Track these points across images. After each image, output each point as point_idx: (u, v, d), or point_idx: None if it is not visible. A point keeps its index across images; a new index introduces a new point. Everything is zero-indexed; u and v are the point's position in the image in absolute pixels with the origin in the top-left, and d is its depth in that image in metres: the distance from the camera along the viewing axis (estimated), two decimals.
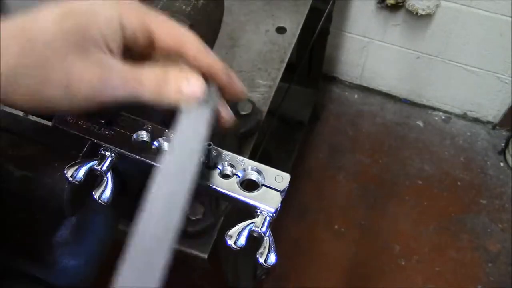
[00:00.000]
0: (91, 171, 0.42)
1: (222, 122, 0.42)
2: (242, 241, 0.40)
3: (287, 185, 0.42)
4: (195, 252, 0.71)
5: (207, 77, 0.40)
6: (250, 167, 0.43)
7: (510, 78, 1.73)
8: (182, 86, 0.37)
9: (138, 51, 0.39)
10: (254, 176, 0.43)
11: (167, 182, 0.35)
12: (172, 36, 0.38)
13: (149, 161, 0.43)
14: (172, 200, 0.34)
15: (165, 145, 0.44)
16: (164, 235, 0.32)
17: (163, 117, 0.55)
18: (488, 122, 1.94)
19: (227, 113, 0.42)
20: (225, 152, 0.43)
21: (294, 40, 0.94)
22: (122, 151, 0.43)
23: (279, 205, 0.41)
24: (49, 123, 0.45)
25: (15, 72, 0.33)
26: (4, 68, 0.33)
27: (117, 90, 0.36)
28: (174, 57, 0.40)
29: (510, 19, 1.54)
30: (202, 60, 0.39)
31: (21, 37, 0.34)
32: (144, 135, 0.44)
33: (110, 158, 0.43)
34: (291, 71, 1.04)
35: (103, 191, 0.42)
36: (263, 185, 0.42)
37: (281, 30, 0.95)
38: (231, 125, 0.43)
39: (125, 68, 0.36)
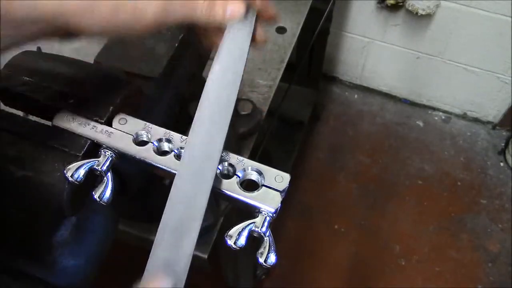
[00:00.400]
0: (91, 171, 0.41)
1: (257, 40, 0.49)
2: (242, 241, 0.39)
3: (287, 185, 0.42)
4: (195, 252, 0.71)
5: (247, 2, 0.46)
6: (250, 167, 0.43)
7: (510, 78, 1.72)
8: (227, 7, 0.44)
9: None
10: (254, 176, 0.43)
11: (218, 88, 0.44)
12: None
13: (149, 161, 0.43)
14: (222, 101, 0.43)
15: (165, 145, 0.44)
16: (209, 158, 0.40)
17: (163, 117, 0.55)
18: (488, 122, 1.94)
19: (261, 33, 0.49)
20: (225, 152, 0.43)
21: (294, 40, 0.94)
22: (122, 151, 0.43)
23: (279, 205, 0.41)
24: (49, 123, 0.45)
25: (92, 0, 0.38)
26: None
27: (176, 12, 0.41)
28: None
29: (510, 19, 1.54)
30: None
31: None
32: (144, 135, 0.44)
33: (110, 158, 0.43)
34: (291, 71, 1.04)
35: (103, 191, 0.42)
36: (263, 185, 0.42)
37: (281, 30, 0.95)
38: (263, 43, 0.50)
39: None
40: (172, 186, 0.39)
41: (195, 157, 0.40)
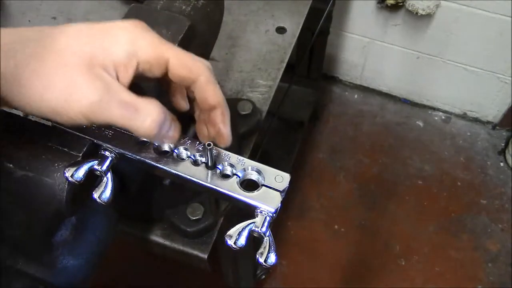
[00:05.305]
0: (91, 171, 0.42)
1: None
2: (242, 241, 0.40)
3: (287, 185, 0.42)
4: (195, 252, 0.71)
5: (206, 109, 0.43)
6: (250, 167, 0.43)
7: (510, 78, 1.72)
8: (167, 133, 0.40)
9: (155, 79, 0.42)
10: (254, 176, 0.43)
11: None
12: (184, 66, 0.41)
13: (149, 161, 0.43)
14: None
15: (165, 145, 0.44)
16: None
17: None
18: (488, 122, 1.94)
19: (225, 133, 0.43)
20: (225, 152, 0.43)
21: (294, 40, 0.94)
22: (122, 151, 0.43)
23: (279, 205, 0.41)
24: (49, 123, 0.45)
25: (23, 71, 0.35)
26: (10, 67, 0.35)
27: (112, 112, 0.37)
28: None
29: (510, 19, 1.53)
30: (208, 93, 0.42)
31: (39, 42, 0.36)
32: None
33: (110, 158, 0.43)
34: (291, 71, 1.04)
35: (103, 191, 0.42)
36: (263, 185, 0.42)
37: (281, 30, 0.95)
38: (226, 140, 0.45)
39: (125, 94, 0.38)
40: None
41: None
